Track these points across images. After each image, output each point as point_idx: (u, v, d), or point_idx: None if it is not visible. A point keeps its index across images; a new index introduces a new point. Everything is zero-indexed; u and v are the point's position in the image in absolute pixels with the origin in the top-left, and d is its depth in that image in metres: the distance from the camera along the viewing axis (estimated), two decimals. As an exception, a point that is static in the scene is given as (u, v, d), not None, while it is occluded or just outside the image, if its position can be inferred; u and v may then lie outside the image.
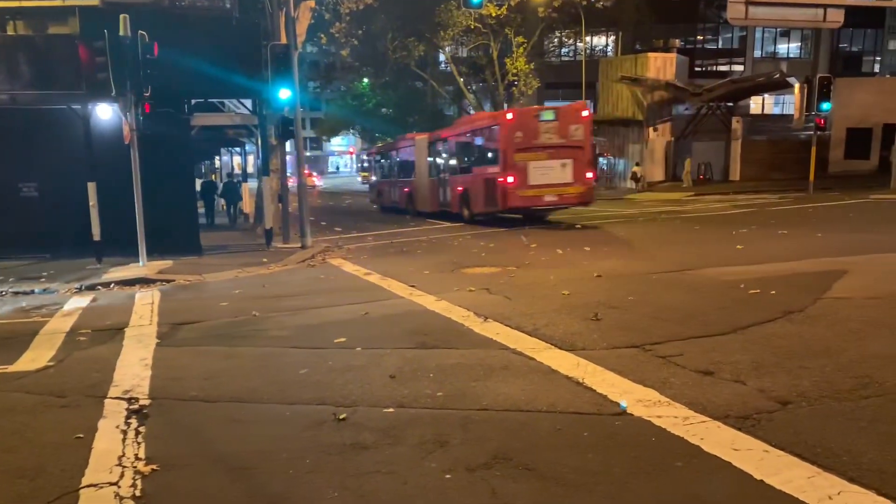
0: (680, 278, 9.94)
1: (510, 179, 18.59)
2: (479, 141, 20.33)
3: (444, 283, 10.74)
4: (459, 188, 21.33)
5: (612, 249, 13.83)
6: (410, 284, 10.59)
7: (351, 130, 64.88)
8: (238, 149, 30.48)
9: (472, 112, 46.71)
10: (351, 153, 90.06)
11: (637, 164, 36.07)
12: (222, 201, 28.35)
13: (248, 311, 9.22)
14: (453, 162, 22.24)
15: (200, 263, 14.39)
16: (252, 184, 31.60)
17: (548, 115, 18.46)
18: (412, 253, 15.20)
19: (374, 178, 32.05)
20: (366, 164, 35.90)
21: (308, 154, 47.02)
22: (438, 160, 23.47)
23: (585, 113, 18.44)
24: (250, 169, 49.55)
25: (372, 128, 56.02)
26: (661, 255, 12.37)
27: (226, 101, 22.35)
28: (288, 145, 19.91)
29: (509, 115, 18.50)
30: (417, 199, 25.54)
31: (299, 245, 16.72)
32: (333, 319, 8.55)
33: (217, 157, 39.21)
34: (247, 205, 26.78)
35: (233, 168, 36.60)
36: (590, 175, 18.96)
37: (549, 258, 12.85)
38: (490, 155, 19.55)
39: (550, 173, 18.64)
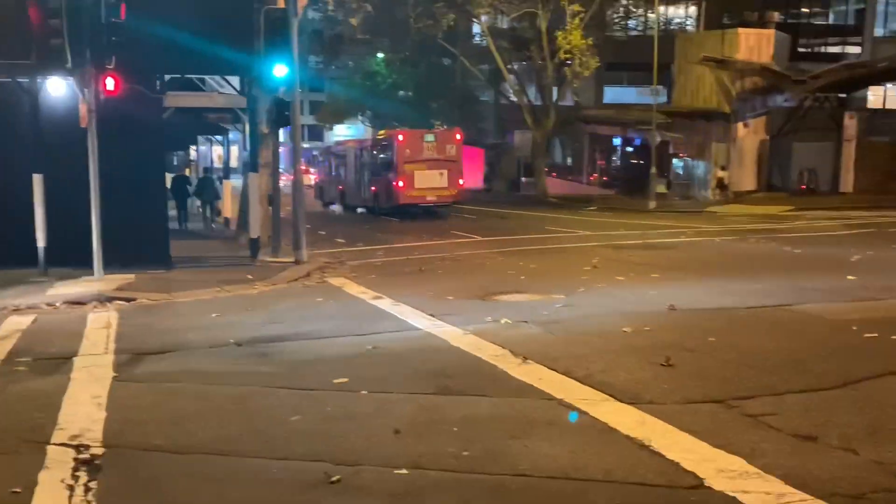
0: (774, 315, 9.85)
1: (401, 183, 31.91)
2: (383, 153, 33.91)
3: (471, 311, 10.77)
4: (373, 188, 34.58)
5: (686, 275, 13.76)
6: (429, 313, 10.62)
7: (360, 117, 65.28)
8: (220, 137, 30.87)
9: (511, 98, 46.93)
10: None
11: (722, 169, 35.87)
12: (198, 202, 28.75)
13: (228, 341, 9.31)
14: (370, 167, 35.34)
15: (170, 279, 14.57)
16: (236, 181, 31.97)
17: (430, 137, 32.95)
18: (433, 272, 15.27)
19: (320, 175, 45.15)
20: (319, 159, 47.89)
21: (307, 146, 47.18)
22: (361, 163, 36.52)
23: (458, 136, 33.49)
24: (234, 162, 50.20)
25: (386, 113, 56.43)
26: (749, 285, 12.27)
27: (207, 79, 22.71)
28: (282, 134, 20.16)
29: (400, 137, 32.61)
30: (348, 195, 38.19)
31: (292, 259, 16.88)
32: (333, 354, 8.59)
33: (193, 147, 39.69)
34: (228, 208, 27.09)
35: (212, 161, 37.04)
36: (461, 182, 33.50)
37: (608, 284, 12.82)
38: (389, 164, 32.92)
39: (431, 180, 32.30)
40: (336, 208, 39.67)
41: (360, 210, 37.19)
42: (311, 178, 45.71)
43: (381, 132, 38.79)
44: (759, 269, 14.67)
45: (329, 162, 42.54)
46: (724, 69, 36.23)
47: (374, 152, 35.97)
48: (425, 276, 14.84)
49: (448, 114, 56.91)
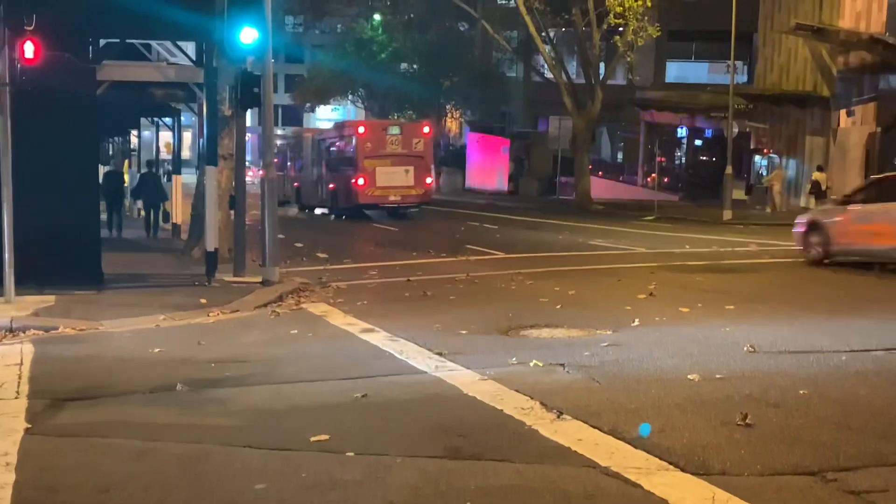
0: (886, 362, 9.81)
1: (361, 181, 35.12)
2: (342, 146, 37.29)
3: (491, 350, 10.77)
4: (331, 185, 37.47)
5: (771, 307, 13.73)
6: (437, 351, 10.62)
7: (350, 96, 65.72)
8: (169, 120, 31.08)
9: (546, 74, 47.08)
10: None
11: (818, 170, 35.74)
12: (138, 203, 28.91)
13: (175, 384, 9.32)
14: (327, 161, 38.58)
15: (101, 302, 14.61)
16: (188, 177, 32.06)
17: (395, 130, 36.55)
18: (441, 299, 15.29)
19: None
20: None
21: (280, 132, 47.57)
22: (319, 157, 39.56)
23: (427, 129, 37.40)
24: (186, 153, 50.34)
25: (384, 92, 56.75)
26: (853, 321, 12.22)
27: (154, 45, 22.85)
28: (249, 118, 20.29)
29: (361, 128, 36.29)
30: (304, 193, 41.01)
31: (260, 280, 16.93)
32: (310, 403, 8.58)
33: (134, 133, 39.92)
34: (177, 211, 27.23)
35: (158, 151, 37.25)
36: (429, 180, 37.83)
37: (669, 317, 12.80)
38: (348, 159, 36.20)
39: (395, 178, 35.64)
40: (292, 210, 40.76)
41: (319, 211, 39.12)
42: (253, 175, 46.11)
43: (352, 122, 41.55)
44: (867, 300, 14.61)
45: (284, 155, 43.88)
46: (823, 40, 36.25)
47: (333, 145, 38.35)
48: (432, 304, 14.84)
49: (464, 93, 57.29)
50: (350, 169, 35.94)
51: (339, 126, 40.57)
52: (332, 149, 38.92)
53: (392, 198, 35.97)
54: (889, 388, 8.70)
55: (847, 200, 20.07)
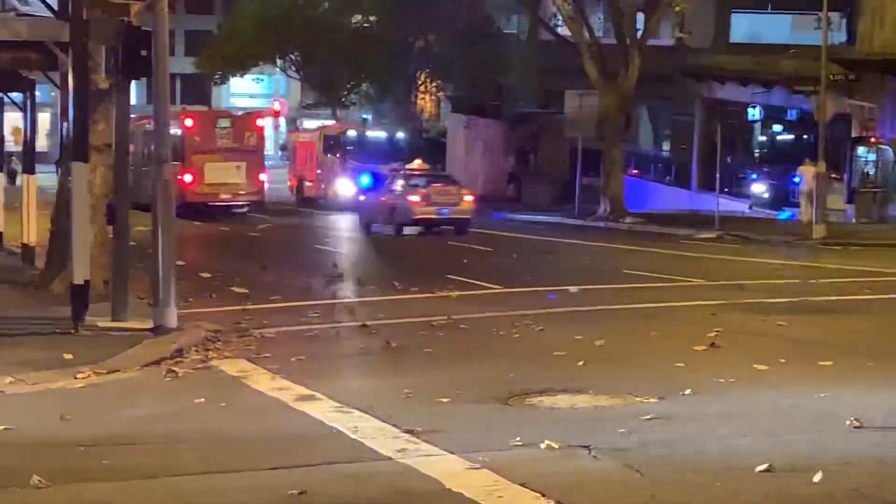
0: None
1: (188, 178, 42.11)
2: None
3: (485, 426, 10.75)
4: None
5: (883, 363, 13.70)
6: (406, 428, 10.56)
7: (278, 62, 65.51)
8: (18, 96, 31.02)
9: (560, 31, 47.26)
10: (276, 113, 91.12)
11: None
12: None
13: (29, 476, 9.22)
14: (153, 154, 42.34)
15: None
16: (47, 178, 31.89)
17: (225, 122, 46.28)
18: (413, 352, 15.26)
19: None
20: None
21: (176, 109, 48.61)
22: (144, 150, 41.46)
23: (260, 122, 49.11)
24: (44, 143, 50.16)
25: (329, 56, 56.72)
26: None
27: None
28: (135, 92, 20.20)
29: (189, 121, 44.37)
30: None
31: (149, 326, 16.83)
32: (224, 505, 8.51)
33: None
34: (29, 227, 27.07)
35: (2, 140, 37.17)
36: (262, 177, 47.96)
37: (738, 379, 12.76)
38: (174, 153, 37.01)
39: (225, 174, 44.80)
40: None
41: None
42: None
43: (179, 112, 46.88)
44: None
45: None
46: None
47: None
48: (399, 359, 14.78)
49: (443, 59, 57.32)
50: (177, 164, 40.24)
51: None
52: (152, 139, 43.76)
53: (223, 196, 45.51)
54: None
55: None
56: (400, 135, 57.32)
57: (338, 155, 55.59)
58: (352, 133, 57.17)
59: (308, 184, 58.45)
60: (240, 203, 46.23)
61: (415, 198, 38.92)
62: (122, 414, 11.96)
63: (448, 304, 20.12)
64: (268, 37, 56.72)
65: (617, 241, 34.94)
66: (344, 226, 44.85)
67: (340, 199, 52.56)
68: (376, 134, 58.68)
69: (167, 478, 9.31)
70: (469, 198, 39.98)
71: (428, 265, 28.12)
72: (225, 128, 44.98)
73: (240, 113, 51.65)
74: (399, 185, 40.67)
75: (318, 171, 57.23)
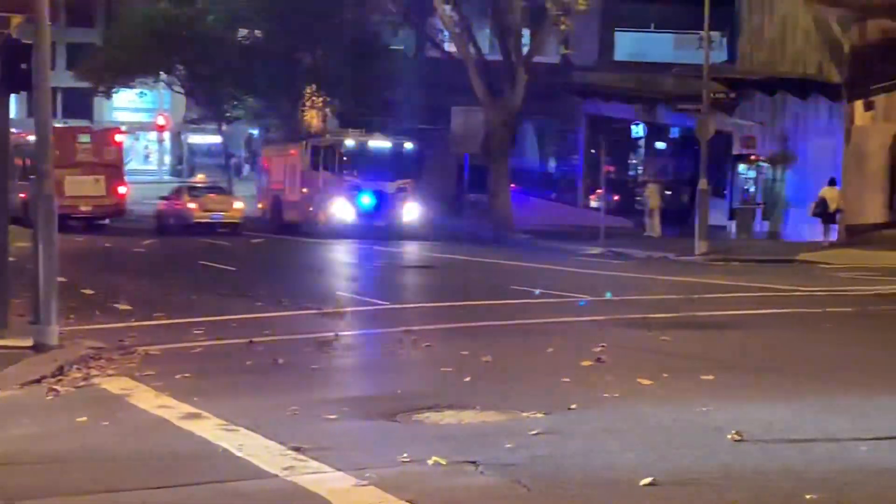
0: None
1: None
2: (27, 152, 39.76)
3: (372, 442, 10.74)
4: (22, 194, 40.42)
5: (763, 378, 13.88)
6: (293, 446, 10.48)
7: (162, 77, 64.99)
8: None
9: (448, 48, 47.38)
10: (159, 128, 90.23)
11: (831, 183, 36.45)
12: None
13: None
14: (13, 168, 42.49)
15: None
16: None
17: (85, 138, 49.15)
18: (300, 369, 15.18)
19: None
20: None
21: (59, 124, 48.04)
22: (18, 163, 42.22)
23: (119, 137, 52.24)
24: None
25: (215, 70, 56.35)
26: (877, 398, 12.44)
27: None
28: (14, 106, 19.90)
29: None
30: None
31: (28, 343, 16.55)
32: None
33: None
34: None
35: None
36: (122, 190, 50.49)
37: (623, 393, 12.81)
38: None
39: (85, 187, 47.51)
40: None
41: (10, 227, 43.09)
42: None
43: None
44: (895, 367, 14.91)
45: None
46: (832, 3, 36.97)
47: (21, 151, 42.78)
48: (286, 376, 14.68)
49: (331, 73, 57.21)
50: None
51: (25, 132, 46.43)
52: (18, 155, 44.38)
53: (82, 208, 47.83)
54: None
55: None
56: (408, 146, 49.19)
57: (330, 170, 48.25)
58: (350, 143, 48.93)
59: (288, 205, 52.39)
60: (100, 215, 49.41)
61: (193, 205, 49.35)
62: (2, 434, 11.75)
63: (335, 320, 20.07)
64: (152, 50, 56.11)
65: (503, 256, 35.02)
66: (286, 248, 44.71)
67: (335, 224, 46.81)
68: (379, 144, 49.62)
69: (50, 498, 9.17)
70: (238, 205, 50.53)
71: (314, 281, 27.98)
72: (85, 143, 48.25)
73: (98, 129, 55.19)
74: (184, 195, 50.88)
75: (304, 191, 50.62)
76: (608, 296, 23.15)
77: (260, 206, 56.79)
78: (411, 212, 46.56)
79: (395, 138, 50.21)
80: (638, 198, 49.71)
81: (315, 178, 49.45)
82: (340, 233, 45.55)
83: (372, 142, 49.80)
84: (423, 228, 46.08)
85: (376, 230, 45.42)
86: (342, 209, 47.04)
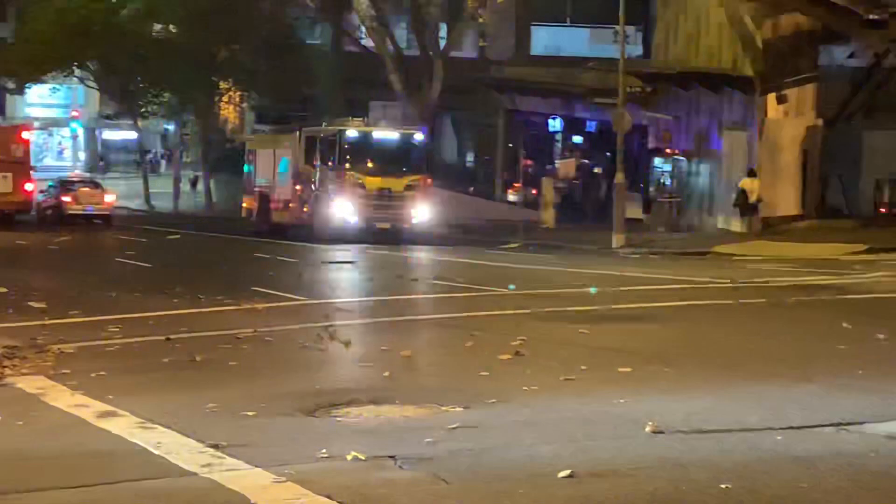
0: (836, 443, 10.11)
1: None
2: None
3: (291, 438, 10.74)
4: None
5: (680, 369, 14.02)
6: (211, 443, 10.42)
7: (75, 72, 64.22)
8: None
9: (364, 43, 47.21)
10: (74, 116, 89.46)
11: (752, 176, 36.71)
12: None
13: None
14: None
15: None
16: None
17: None
18: (218, 365, 15.14)
19: None
20: None
21: None
22: None
23: (26, 135, 55.34)
24: None
25: (128, 65, 55.86)
26: (791, 386, 12.60)
27: None
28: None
29: None
30: None
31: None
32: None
33: None
34: None
35: None
36: (29, 187, 53.08)
37: (542, 386, 12.88)
38: None
39: None
40: None
41: None
42: None
43: None
44: (808, 357, 15.05)
45: None
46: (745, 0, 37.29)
47: None
48: (203, 373, 14.61)
49: (246, 68, 56.88)
50: None
51: None
52: None
53: None
54: (840, 479, 8.95)
55: None
56: (418, 136, 43.78)
57: (330, 164, 42.99)
58: (352, 133, 43.17)
59: (277, 205, 47.25)
60: (6, 210, 51.03)
61: (67, 198, 54.22)
62: None
63: (253, 316, 19.95)
64: (65, 44, 55.46)
65: (417, 250, 35.02)
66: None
67: (334, 226, 42.19)
68: (385, 135, 44.49)
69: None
70: (109, 198, 55.97)
71: (232, 277, 27.83)
72: None
73: (5, 126, 58.15)
74: (60, 189, 55.55)
75: (298, 188, 45.28)
76: (511, 288, 23.18)
77: (245, 204, 51.67)
78: (422, 213, 41.66)
79: (404, 128, 45.10)
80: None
81: (310, 173, 44.12)
82: (339, 237, 40.75)
83: (377, 132, 44.41)
84: (436, 231, 42.15)
85: (381, 234, 41.56)
86: (342, 210, 42.07)
